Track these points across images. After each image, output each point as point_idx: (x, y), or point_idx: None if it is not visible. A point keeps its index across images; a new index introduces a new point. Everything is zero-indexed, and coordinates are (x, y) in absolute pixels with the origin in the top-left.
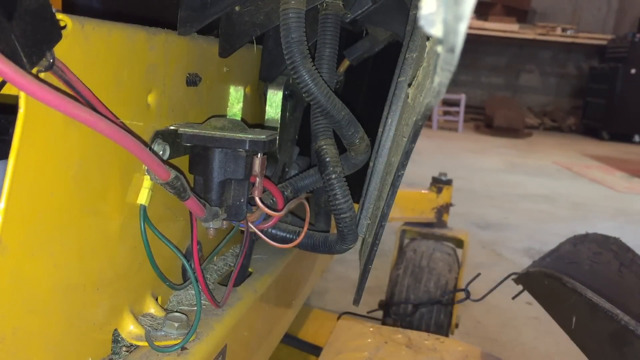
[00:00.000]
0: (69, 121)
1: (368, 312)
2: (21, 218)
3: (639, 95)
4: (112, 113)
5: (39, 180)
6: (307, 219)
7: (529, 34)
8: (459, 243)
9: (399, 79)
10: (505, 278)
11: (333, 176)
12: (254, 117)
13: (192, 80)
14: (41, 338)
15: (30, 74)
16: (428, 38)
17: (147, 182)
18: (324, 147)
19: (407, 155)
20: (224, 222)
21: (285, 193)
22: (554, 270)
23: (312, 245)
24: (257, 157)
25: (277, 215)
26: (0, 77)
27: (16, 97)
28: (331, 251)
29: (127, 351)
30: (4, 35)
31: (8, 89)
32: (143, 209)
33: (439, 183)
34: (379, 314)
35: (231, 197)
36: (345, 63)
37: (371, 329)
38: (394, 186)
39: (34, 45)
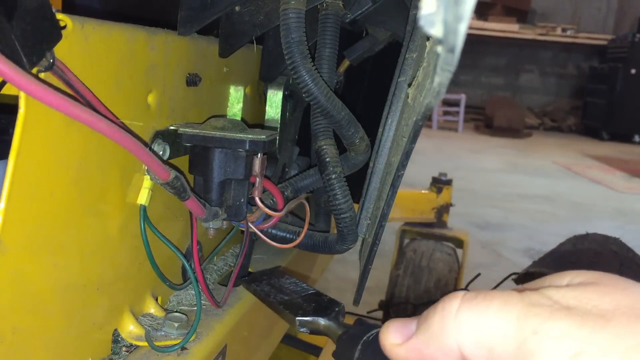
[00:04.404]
0: (69, 121)
1: (368, 312)
2: (21, 218)
3: (639, 95)
4: (112, 113)
5: (39, 180)
6: (307, 219)
7: (529, 34)
8: (459, 243)
9: (399, 79)
10: (505, 278)
11: (333, 176)
12: (254, 117)
13: (192, 80)
14: (41, 338)
15: (30, 74)
16: (428, 38)
17: (147, 182)
18: (324, 147)
19: (407, 155)
20: (224, 222)
21: (285, 193)
22: (554, 270)
23: (312, 245)
24: (257, 157)
25: (277, 215)
26: (0, 77)
27: (16, 97)
28: (331, 251)
29: (127, 351)
30: (4, 35)
31: (8, 89)
32: (143, 209)
33: (439, 183)
34: (379, 314)
35: (231, 197)
36: (345, 63)
37: None
38: (394, 186)
39: (34, 45)
